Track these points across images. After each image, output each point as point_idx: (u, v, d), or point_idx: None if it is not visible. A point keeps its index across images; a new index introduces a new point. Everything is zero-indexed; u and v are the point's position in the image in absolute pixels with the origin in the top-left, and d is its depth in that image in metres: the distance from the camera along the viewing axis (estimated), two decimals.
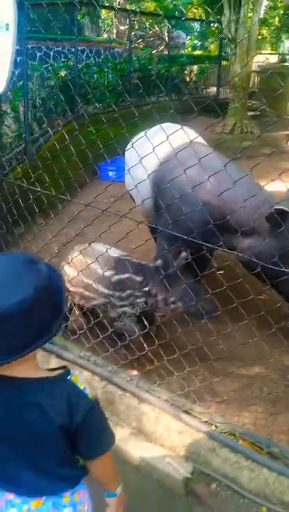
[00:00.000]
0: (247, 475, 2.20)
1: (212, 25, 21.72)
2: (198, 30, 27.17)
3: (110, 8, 14.44)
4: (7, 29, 2.42)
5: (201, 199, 3.04)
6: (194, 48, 23.63)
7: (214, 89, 13.63)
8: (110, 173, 8.20)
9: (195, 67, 13.19)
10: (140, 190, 3.31)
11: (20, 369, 1.29)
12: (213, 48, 23.27)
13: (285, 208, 2.77)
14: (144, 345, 2.80)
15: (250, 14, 10.47)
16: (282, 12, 22.83)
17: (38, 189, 3.55)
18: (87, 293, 3.11)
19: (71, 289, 3.16)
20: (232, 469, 2.23)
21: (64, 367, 1.38)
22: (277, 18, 23.33)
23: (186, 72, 12.54)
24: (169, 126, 3.48)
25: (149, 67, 10.38)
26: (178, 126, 3.52)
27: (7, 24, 2.41)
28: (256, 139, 8.09)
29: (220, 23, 14.40)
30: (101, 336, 2.96)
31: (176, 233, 2.91)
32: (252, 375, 2.98)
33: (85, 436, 1.33)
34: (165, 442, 2.39)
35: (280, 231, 2.83)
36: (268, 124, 10.70)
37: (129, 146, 3.88)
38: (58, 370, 1.35)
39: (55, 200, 4.72)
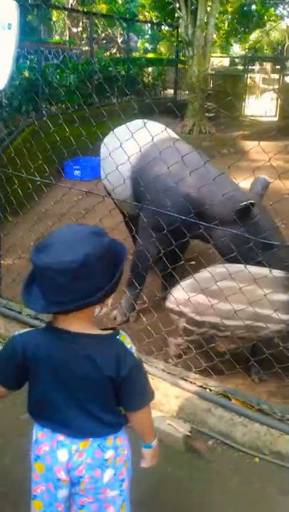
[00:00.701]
0: (240, 430, 2.46)
1: (163, 28, 22.25)
2: (149, 33, 27.66)
3: (72, 10, 14.53)
4: (9, 28, 2.60)
5: (183, 192, 3.30)
6: (146, 50, 24.08)
7: (171, 91, 14.03)
8: (76, 172, 8.36)
9: (151, 69, 13.55)
10: (119, 184, 3.54)
11: (77, 325, 1.48)
12: (163, 50, 23.76)
13: (251, 202, 3.05)
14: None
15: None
16: (230, 17, 23.64)
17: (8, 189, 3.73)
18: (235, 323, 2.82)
19: (203, 318, 2.88)
20: (226, 426, 2.49)
21: (114, 328, 1.58)
22: (226, 23, 24.14)
23: (144, 74, 12.82)
24: (141, 124, 3.74)
25: (110, 68, 10.59)
26: (151, 123, 3.81)
27: (9, 24, 2.59)
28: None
29: (173, 26, 14.86)
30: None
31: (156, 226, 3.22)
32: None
33: (128, 390, 1.52)
34: (164, 407, 2.62)
35: (249, 223, 3.12)
36: (225, 124, 11.19)
37: (106, 141, 4.08)
38: (109, 330, 1.56)
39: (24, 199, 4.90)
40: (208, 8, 10.33)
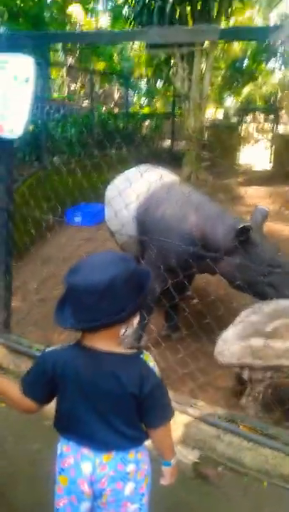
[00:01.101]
0: (249, 455, 2.53)
1: (157, 84, 23.26)
2: (144, 88, 28.77)
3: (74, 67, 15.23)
4: (27, 82, 2.86)
5: (187, 227, 3.49)
6: (141, 106, 25.02)
7: (167, 142, 14.58)
8: (76, 219, 8.60)
9: (147, 123, 14.13)
10: (124, 226, 3.74)
11: (103, 343, 1.61)
12: (158, 105, 24.70)
13: (246, 224, 3.24)
14: None
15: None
16: (223, 72, 24.74)
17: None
18: None
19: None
20: (235, 451, 2.56)
21: (138, 347, 1.71)
22: (220, 78, 25.22)
23: (142, 126, 13.35)
24: (146, 169, 4.01)
25: (109, 121, 11.05)
26: (154, 168, 4.08)
27: (27, 78, 2.85)
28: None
29: (169, 81, 15.61)
30: None
31: (163, 262, 3.40)
32: None
33: (150, 407, 1.63)
34: (173, 434, 2.68)
35: (251, 248, 3.30)
36: (221, 172, 11.58)
37: (112, 186, 4.32)
38: (133, 350, 1.69)
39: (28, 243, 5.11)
40: (203, 65, 10.88)
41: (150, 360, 1.67)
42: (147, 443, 1.72)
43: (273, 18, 27.91)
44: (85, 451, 1.65)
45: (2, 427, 2.92)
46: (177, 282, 3.47)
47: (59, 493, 1.71)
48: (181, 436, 2.67)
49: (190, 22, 10.88)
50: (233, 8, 12.37)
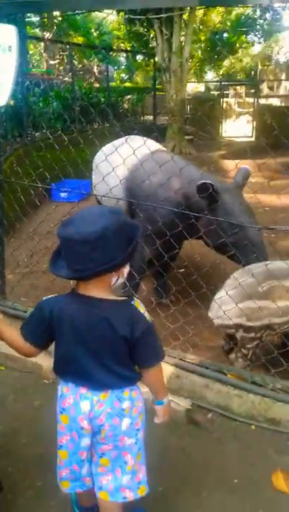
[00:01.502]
0: (236, 401, 2.69)
1: (138, 58, 23.07)
2: (124, 63, 28.55)
3: (54, 41, 15.06)
4: (10, 51, 2.89)
5: (173, 189, 3.60)
6: (122, 80, 24.83)
7: (150, 117, 14.57)
8: (62, 194, 8.64)
9: (129, 97, 14.07)
10: (111, 190, 3.82)
11: (96, 291, 1.72)
12: (139, 79, 24.53)
13: (208, 181, 3.35)
14: None
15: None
16: (203, 45, 24.59)
17: None
18: None
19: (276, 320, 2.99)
20: (224, 399, 2.72)
21: (128, 296, 1.83)
22: (199, 51, 25.09)
23: (124, 101, 13.31)
24: (134, 138, 4.10)
25: (91, 95, 11.01)
26: (141, 138, 4.17)
27: (10, 46, 2.89)
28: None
29: (148, 55, 15.45)
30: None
31: (151, 225, 3.51)
32: None
33: (142, 349, 1.75)
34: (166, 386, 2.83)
35: (215, 206, 3.43)
36: (204, 145, 11.65)
37: (99, 153, 4.39)
38: (124, 297, 1.80)
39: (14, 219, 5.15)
40: (182, 37, 10.87)
41: (140, 306, 1.78)
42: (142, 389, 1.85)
43: None
44: (83, 390, 1.77)
45: (3, 387, 3.05)
46: (167, 248, 3.58)
47: (61, 430, 1.83)
48: (172, 387, 2.81)
49: None
50: None
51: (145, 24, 11.82)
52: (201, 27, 21.61)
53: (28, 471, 2.38)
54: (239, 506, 2.17)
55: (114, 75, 25.06)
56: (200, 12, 17.29)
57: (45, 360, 3.17)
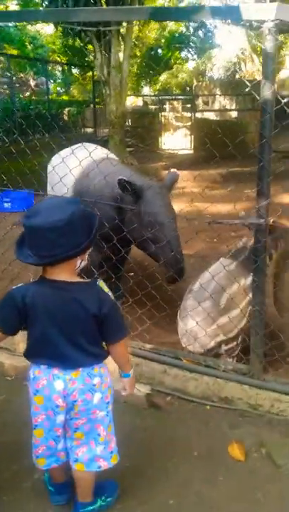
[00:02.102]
0: (192, 384, 2.91)
1: (74, 71, 23.28)
2: (60, 77, 28.64)
3: None
4: None
5: (109, 191, 3.73)
6: (58, 93, 24.91)
7: (90, 129, 14.79)
8: (6, 205, 8.65)
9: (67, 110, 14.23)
10: (68, 190, 3.95)
11: (63, 275, 1.89)
12: (76, 92, 24.71)
13: (123, 178, 3.46)
14: None
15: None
16: (139, 60, 25.20)
17: None
18: None
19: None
20: (181, 382, 2.93)
21: (93, 277, 2.01)
22: (135, 67, 25.67)
23: (64, 113, 13.45)
24: (88, 145, 4.30)
25: (31, 107, 11.09)
26: (93, 145, 4.37)
27: None
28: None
29: (85, 68, 15.66)
30: None
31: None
32: None
33: (109, 325, 1.94)
34: None
35: (139, 202, 3.55)
36: (145, 157, 11.97)
37: (56, 156, 4.53)
38: (89, 279, 1.98)
39: None
40: (121, 53, 11.20)
41: (104, 286, 1.97)
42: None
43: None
44: (56, 371, 1.93)
45: None
46: (115, 252, 3.72)
47: (36, 411, 1.98)
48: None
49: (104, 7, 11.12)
50: None
51: (83, 38, 12.01)
52: (136, 43, 22.18)
53: (2, 456, 2.48)
54: (202, 475, 2.38)
55: (51, 88, 25.12)
56: (136, 28, 17.77)
57: (7, 358, 3.28)
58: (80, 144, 4.21)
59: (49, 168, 4.54)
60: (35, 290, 1.92)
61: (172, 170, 3.99)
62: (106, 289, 1.98)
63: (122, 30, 10.77)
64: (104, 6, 11.05)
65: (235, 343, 3.18)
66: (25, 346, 2.01)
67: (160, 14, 2.62)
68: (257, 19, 2.27)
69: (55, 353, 1.93)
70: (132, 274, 4.79)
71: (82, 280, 1.96)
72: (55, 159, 4.37)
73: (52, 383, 1.93)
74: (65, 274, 1.90)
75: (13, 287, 1.98)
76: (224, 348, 3.18)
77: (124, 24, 10.49)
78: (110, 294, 1.98)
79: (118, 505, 2.20)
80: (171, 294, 3.65)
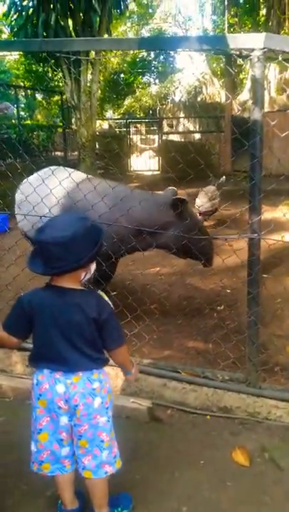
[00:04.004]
0: (192, 396, 3.00)
1: (37, 96, 23.41)
2: (24, 100, 28.72)
3: None
4: None
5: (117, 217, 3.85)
6: (22, 119, 24.94)
7: (59, 153, 14.90)
8: None
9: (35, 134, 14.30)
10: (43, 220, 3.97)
11: (67, 283, 2.01)
12: (40, 117, 24.86)
13: (183, 197, 3.92)
14: None
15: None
16: (103, 84, 25.59)
17: None
18: None
19: None
20: (180, 395, 3.01)
21: (93, 288, 2.11)
22: (99, 91, 26.04)
23: (34, 137, 13.53)
24: (59, 169, 4.33)
25: (2, 131, 11.13)
26: (65, 169, 4.43)
27: None
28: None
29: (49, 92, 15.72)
30: None
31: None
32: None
33: (109, 331, 2.05)
34: (126, 390, 3.08)
35: (184, 218, 3.93)
36: (115, 179, 12.12)
37: (24, 185, 4.42)
38: (90, 288, 2.09)
39: None
40: (90, 76, 11.43)
41: (104, 295, 2.10)
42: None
43: (145, 33, 29.60)
44: (57, 375, 2.03)
45: None
46: (105, 270, 3.81)
47: (40, 414, 2.06)
48: (133, 390, 3.06)
49: (73, 34, 11.35)
50: (113, 22, 13.07)
51: (51, 64, 12.19)
52: (100, 68, 22.54)
53: (10, 475, 2.50)
54: (209, 482, 2.45)
55: (14, 113, 25.12)
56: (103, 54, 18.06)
57: (4, 380, 3.29)
58: (47, 170, 4.28)
59: (18, 198, 4.44)
60: (41, 295, 2.05)
61: (170, 187, 4.44)
62: (105, 297, 2.09)
63: (90, 55, 10.98)
64: (73, 33, 11.32)
65: None
66: (30, 353, 2.11)
67: (149, 44, 2.76)
68: (246, 48, 2.44)
69: (57, 357, 2.02)
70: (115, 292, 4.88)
71: (84, 288, 2.09)
72: (26, 188, 4.25)
73: (54, 387, 2.02)
74: (69, 282, 2.02)
75: (22, 293, 2.11)
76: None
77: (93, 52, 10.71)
78: (110, 303, 2.09)
79: None
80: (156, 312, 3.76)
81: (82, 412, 2.02)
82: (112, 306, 2.08)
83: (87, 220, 2.05)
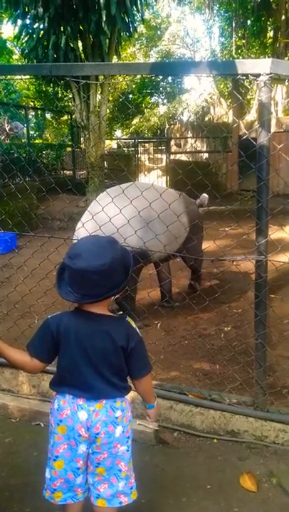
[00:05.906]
0: (198, 419, 2.97)
1: (47, 116, 23.74)
2: (34, 120, 29.12)
3: None
4: None
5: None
6: (31, 137, 25.25)
7: (68, 171, 15.06)
8: None
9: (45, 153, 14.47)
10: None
11: (97, 309, 1.99)
12: (49, 137, 25.17)
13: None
14: None
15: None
16: (112, 105, 25.92)
17: None
18: None
19: None
20: (187, 417, 2.99)
21: (123, 313, 2.10)
22: (108, 111, 26.37)
23: (43, 156, 13.69)
24: (142, 185, 4.60)
25: (12, 151, 11.27)
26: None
27: None
28: None
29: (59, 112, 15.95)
30: None
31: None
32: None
33: (135, 359, 2.02)
34: (133, 413, 3.04)
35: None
36: None
37: (103, 194, 4.75)
38: (120, 315, 2.08)
39: None
40: (99, 97, 11.58)
41: (132, 323, 2.07)
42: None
43: (154, 55, 30.07)
44: (80, 401, 1.98)
45: None
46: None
47: (58, 441, 2.00)
48: (140, 412, 3.04)
49: (83, 56, 11.54)
50: (122, 44, 13.28)
51: (61, 85, 12.37)
52: (109, 88, 22.86)
53: (15, 499, 2.48)
54: (216, 507, 2.42)
55: (24, 132, 25.50)
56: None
57: (11, 400, 3.28)
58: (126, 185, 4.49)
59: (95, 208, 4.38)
60: (69, 319, 2.01)
61: (204, 194, 5.04)
62: (134, 324, 2.07)
63: (100, 78, 11.14)
64: (83, 55, 11.50)
65: None
66: (53, 376, 2.07)
67: (158, 69, 2.80)
68: (253, 73, 2.47)
69: (82, 383, 1.98)
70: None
71: (113, 314, 2.05)
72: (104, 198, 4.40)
73: (76, 413, 1.97)
74: (98, 307, 1.99)
75: (49, 316, 2.05)
76: None
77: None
78: (138, 330, 2.07)
79: None
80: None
81: (103, 440, 1.98)
82: (140, 333, 2.06)
83: (118, 244, 2.03)
